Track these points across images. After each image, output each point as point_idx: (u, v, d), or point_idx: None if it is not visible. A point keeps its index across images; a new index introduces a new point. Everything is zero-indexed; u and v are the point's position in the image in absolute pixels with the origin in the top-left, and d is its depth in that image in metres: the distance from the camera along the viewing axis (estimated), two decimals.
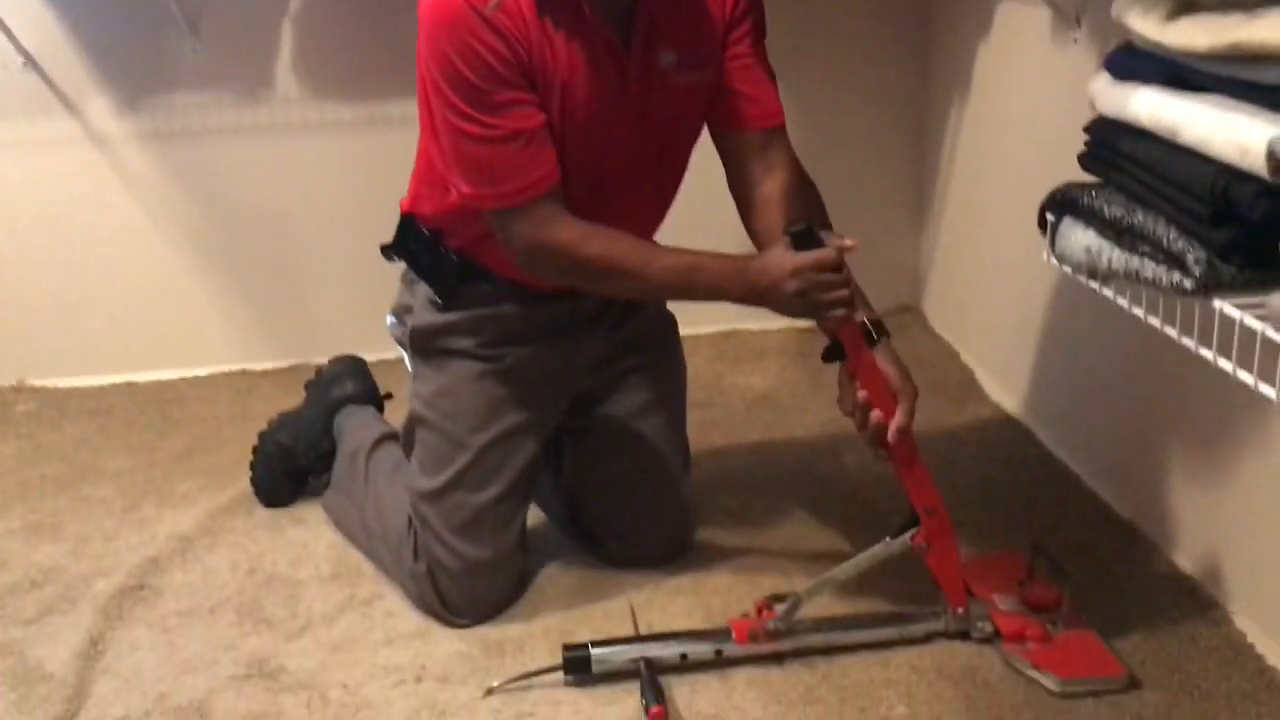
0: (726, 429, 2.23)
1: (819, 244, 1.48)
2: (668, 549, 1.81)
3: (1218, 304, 0.86)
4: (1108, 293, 0.99)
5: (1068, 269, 1.13)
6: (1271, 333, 0.79)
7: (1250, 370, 0.83)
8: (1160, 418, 1.76)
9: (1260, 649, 1.53)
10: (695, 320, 2.59)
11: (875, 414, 1.49)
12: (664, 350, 1.87)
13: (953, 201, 2.51)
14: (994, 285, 2.34)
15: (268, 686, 1.58)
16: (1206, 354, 0.88)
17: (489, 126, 1.47)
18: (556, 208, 1.53)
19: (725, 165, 1.67)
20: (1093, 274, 1.03)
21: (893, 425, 1.48)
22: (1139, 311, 0.95)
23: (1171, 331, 0.91)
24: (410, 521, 1.71)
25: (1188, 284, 0.86)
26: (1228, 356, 0.85)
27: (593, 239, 1.53)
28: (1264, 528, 1.55)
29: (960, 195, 2.47)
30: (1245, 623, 1.57)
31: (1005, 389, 2.27)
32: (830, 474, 2.05)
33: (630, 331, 1.79)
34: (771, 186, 1.63)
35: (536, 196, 1.51)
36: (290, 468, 2.01)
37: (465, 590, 1.67)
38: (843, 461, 2.08)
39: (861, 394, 1.50)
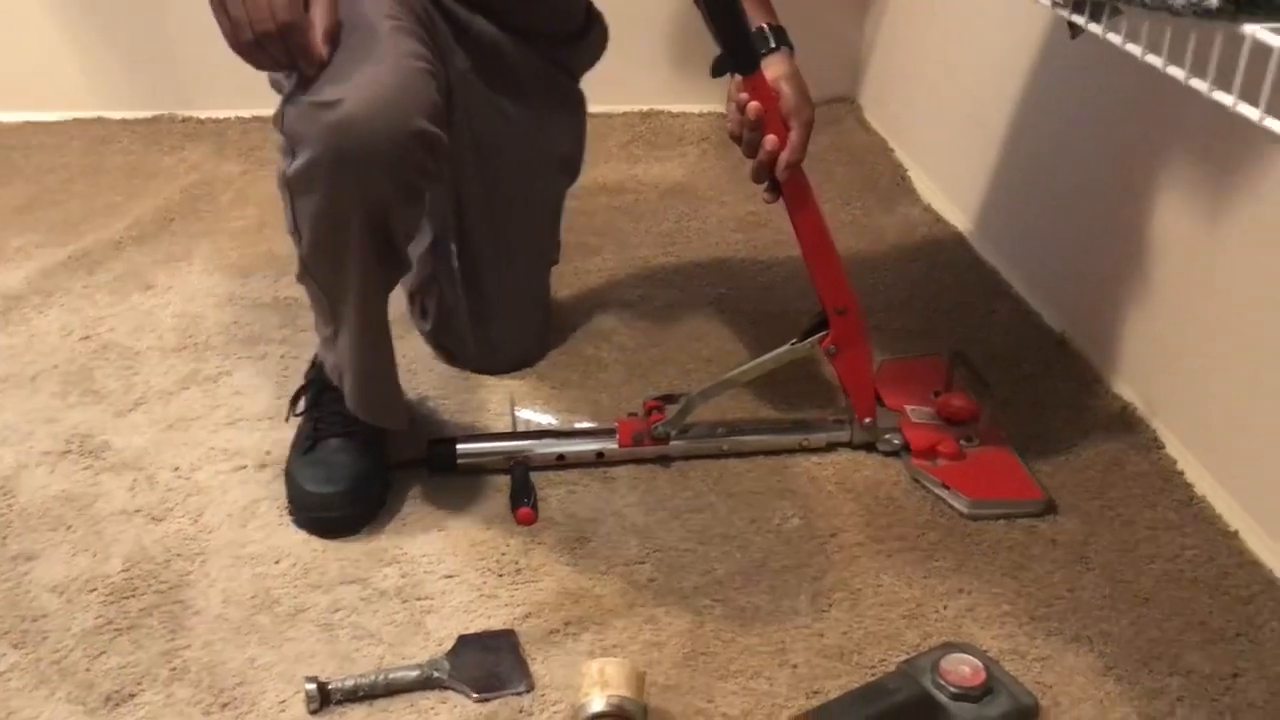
0: (636, 216, 2.03)
1: None
2: (491, 353, 1.58)
3: (1249, 29, 0.66)
4: (1095, 28, 0.79)
5: (1046, 2, 0.92)
6: None
7: None
8: (1103, 227, 1.59)
9: (1190, 477, 1.41)
10: (612, 98, 2.37)
11: (769, 139, 1.29)
12: (557, 121, 1.59)
13: None
14: (937, 77, 2.13)
15: (87, 465, 1.40)
16: (1225, 98, 0.68)
17: None
18: None
19: None
20: (1080, 4, 0.82)
21: (783, 157, 1.29)
22: (1135, 49, 0.76)
23: (1178, 72, 0.71)
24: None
25: (1214, 1, 0.66)
26: (1253, 101, 0.66)
27: None
28: (1206, 351, 1.40)
29: None
30: (1177, 449, 1.44)
31: (939, 189, 2.09)
32: (743, 269, 1.87)
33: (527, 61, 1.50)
34: None
35: None
36: None
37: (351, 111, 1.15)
38: (757, 256, 1.90)
39: (752, 106, 1.28)
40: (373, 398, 1.35)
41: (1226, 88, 0.69)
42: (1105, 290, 1.60)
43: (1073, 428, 1.50)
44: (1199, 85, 0.71)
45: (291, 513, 1.33)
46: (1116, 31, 0.78)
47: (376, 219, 1.22)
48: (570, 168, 1.61)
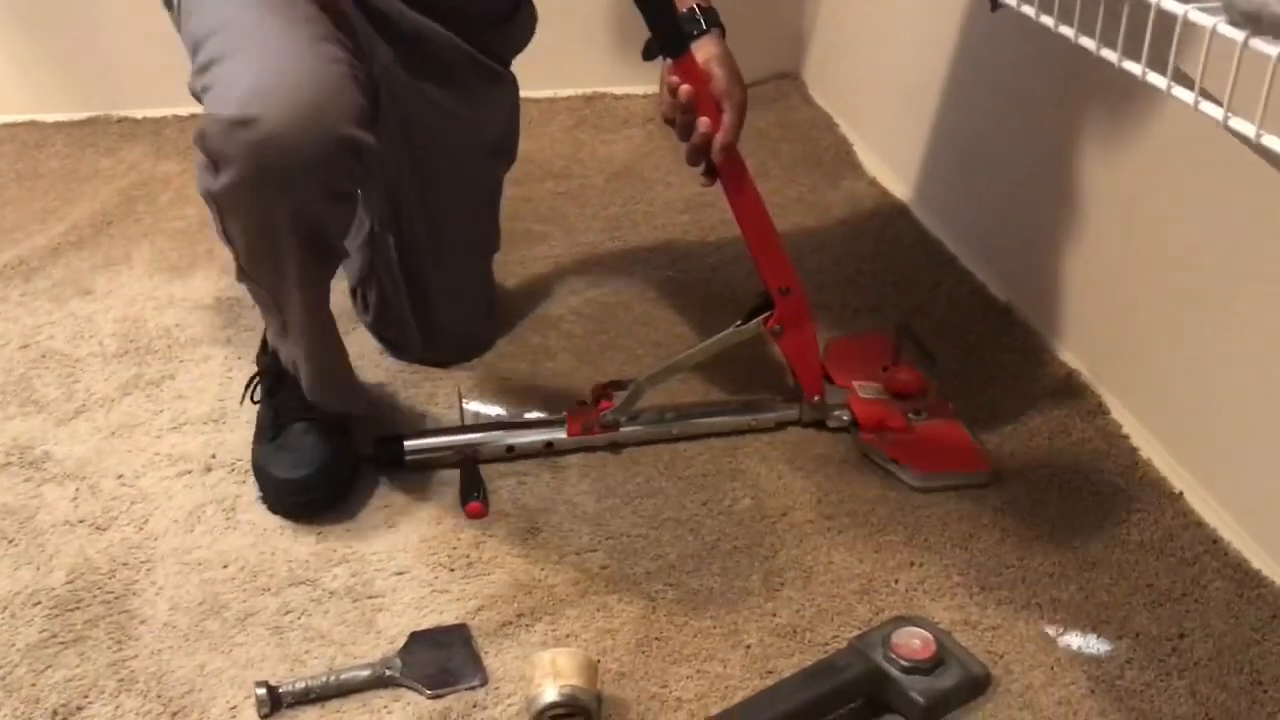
0: (582, 201, 2.02)
1: None
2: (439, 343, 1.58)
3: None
4: (1028, 10, 0.79)
5: None
6: (1225, 29, 0.59)
7: (1220, 100, 0.63)
8: (1046, 197, 1.60)
9: (1135, 441, 1.42)
10: (554, 82, 2.36)
11: (702, 122, 1.29)
12: (487, 106, 1.57)
13: None
14: (879, 51, 2.13)
15: (28, 476, 1.37)
16: (1158, 80, 0.68)
17: None
18: None
19: None
20: None
21: (717, 139, 1.29)
22: (1068, 31, 0.75)
23: (1089, 43, 0.71)
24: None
25: None
26: (1186, 84, 0.65)
27: None
28: (1148, 316, 1.41)
29: None
30: (1122, 414, 1.46)
31: (884, 163, 2.09)
32: (691, 251, 1.86)
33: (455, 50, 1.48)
34: None
35: None
36: None
37: (260, 85, 1.14)
38: (705, 238, 1.90)
39: (683, 89, 1.28)
40: (329, 385, 1.35)
41: (1137, 56, 0.69)
42: (1049, 259, 1.61)
43: (1019, 397, 1.51)
44: (1109, 55, 0.71)
45: (266, 501, 1.33)
46: (1030, 4, 0.79)
47: (308, 226, 1.21)
48: (504, 153, 1.60)
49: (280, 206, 1.17)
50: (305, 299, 1.27)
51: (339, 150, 1.17)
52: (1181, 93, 0.66)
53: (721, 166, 1.31)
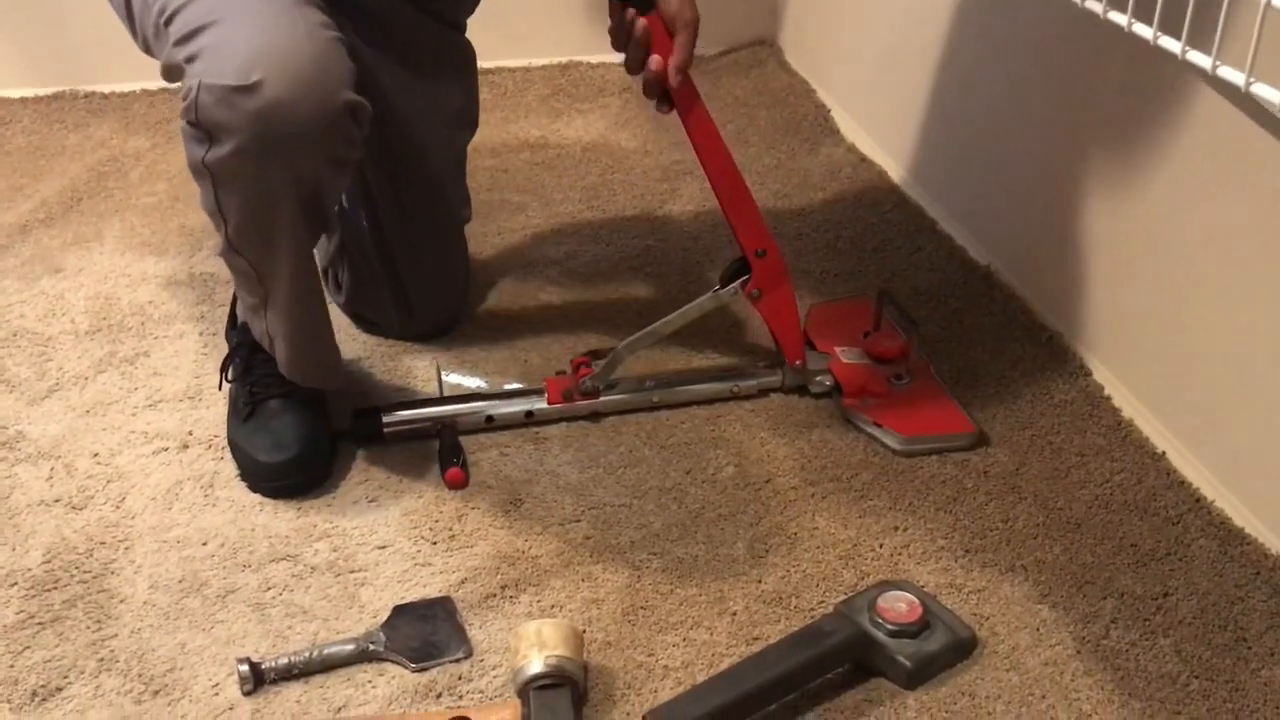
0: (559, 171, 2.00)
1: None
2: (416, 319, 1.56)
3: None
4: None
5: None
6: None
7: (1241, 68, 0.61)
8: (1025, 160, 1.59)
9: (1118, 401, 1.42)
10: (530, 51, 2.33)
11: (654, 60, 1.27)
12: (446, 76, 1.54)
13: None
14: (856, 16, 2.12)
15: (1, 457, 1.35)
16: (1171, 45, 0.66)
17: None
18: None
19: None
20: None
21: (670, 64, 1.27)
22: None
23: (1120, 18, 0.69)
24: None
25: None
26: (1203, 49, 0.64)
27: None
28: (1129, 277, 1.41)
29: None
30: (1104, 375, 1.45)
31: (862, 128, 2.08)
32: (669, 219, 1.85)
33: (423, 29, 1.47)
34: None
35: None
36: None
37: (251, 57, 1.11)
38: (683, 206, 1.88)
39: (640, 23, 1.26)
40: (308, 360, 1.33)
41: (1148, 19, 0.67)
42: (1029, 221, 1.60)
43: (1001, 359, 1.51)
44: (1144, 31, 0.69)
45: (246, 481, 1.32)
46: None
47: (309, 194, 1.19)
48: (466, 122, 1.57)
49: (283, 174, 1.15)
50: (294, 270, 1.25)
51: (342, 114, 1.15)
52: (1199, 58, 0.64)
53: (675, 92, 1.29)
